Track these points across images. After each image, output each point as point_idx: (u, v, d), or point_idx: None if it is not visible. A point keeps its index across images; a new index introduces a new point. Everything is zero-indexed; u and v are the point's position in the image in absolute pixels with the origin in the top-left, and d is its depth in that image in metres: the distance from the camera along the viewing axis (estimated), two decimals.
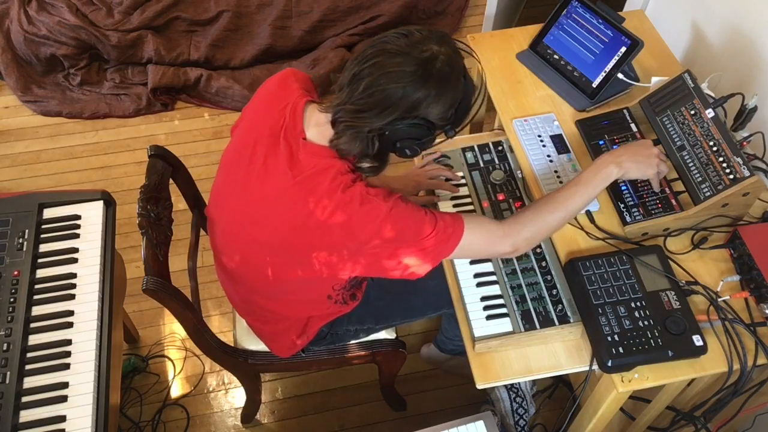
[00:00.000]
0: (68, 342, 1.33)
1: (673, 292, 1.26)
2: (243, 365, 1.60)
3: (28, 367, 1.29)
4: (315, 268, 1.21)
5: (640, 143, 1.36)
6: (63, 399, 1.26)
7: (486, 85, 1.20)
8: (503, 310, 1.35)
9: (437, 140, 1.19)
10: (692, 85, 1.42)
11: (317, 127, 1.18)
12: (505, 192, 1.56)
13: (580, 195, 1.26)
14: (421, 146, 1.17)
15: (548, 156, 1.55)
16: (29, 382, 1.28)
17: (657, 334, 1.21)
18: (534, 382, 1.84)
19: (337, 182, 1.13)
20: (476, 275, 1.42)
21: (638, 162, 1.30)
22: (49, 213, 1.51)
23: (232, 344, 1.61)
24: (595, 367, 1.27)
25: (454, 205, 1.56)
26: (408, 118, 1.10)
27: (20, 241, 1.43)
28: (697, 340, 1.20)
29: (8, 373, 1.26)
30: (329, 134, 1.16)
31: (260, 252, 1.25)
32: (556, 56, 1.70)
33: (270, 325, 1.46)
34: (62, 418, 1.24)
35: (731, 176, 1.30)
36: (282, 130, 1.19)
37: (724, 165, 1.32)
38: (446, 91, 1.10)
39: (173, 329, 2.16)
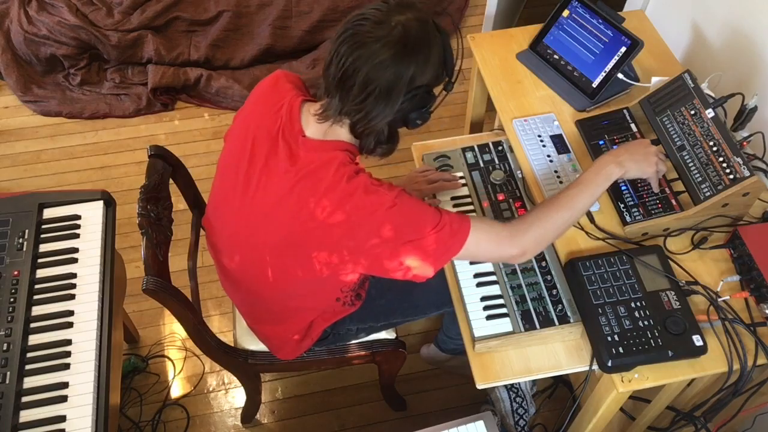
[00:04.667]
0: (68, 342, 1.33)
1: (673, 292, 1.26)
2: (243, 365, 1.60)
3: (28, 367, 1.29)
4: (315, 269, 1.20)
5: (638, 142, 1.36)
6: (63, 399, 1.26)
7: (460, 30, 1.24)
8: (503, 310, 1.35)
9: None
10: (692, 85, 1.42)
11: (315, 124, 1.19)
12: (505, 192, 1.56)
13: (583, 195, 1.25)
14: (429, 111, 1.19)
15: (548, 156, 1.55)
16: (29, 382, 1.27)
17: (657, 334, 1.21)
18: (534, 382, 1.84)
19: (340, 173, 1.13)
20: (476, 275, 1.42)
21: (638, 161, 1.30)
22: (49, 213, 1.51)
23: (232, 344, 1.61)
24: (595, 367, 1.27)
25: (455, 206, 1.56)
26: (410, 93, 1.12)
27: (20, 241, 1.43)
28: (697, 340, 1.20)
29: (8, 373, 1.26)
30: (325, 128, 1.17)
31: (264, 254, 1.25)
32: (556, 56, 1.70)
33: (273, 326, 1.46)
34: (62, 418, 1.24)
35: (731, 176, 1.30)
36: (280, 131, 1.19)
37: (724, 165, 1.32)
38: (431, 51, 1.11)
39: (173, 329, 2.15)
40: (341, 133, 1.18)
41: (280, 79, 1.29)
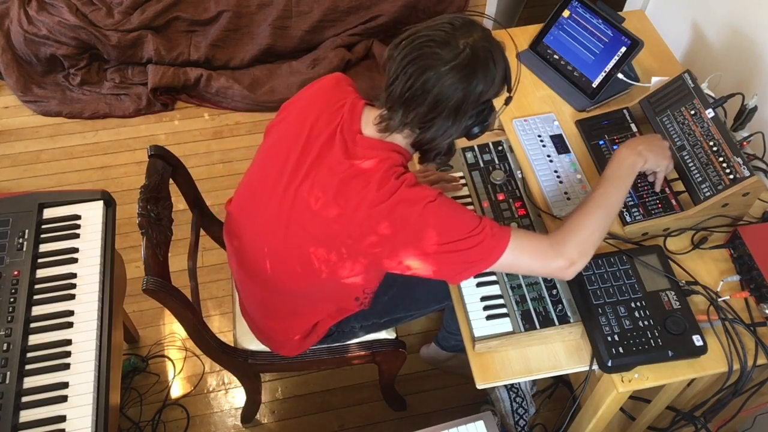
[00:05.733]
0: (68, 342, 1.33)
1: (673, 292, 1.26)
2: (243, 365, 1.60)
3: (28, 367, 1.29)
4: (364, 256, 1.21)
5: (651, 135, 1.37)
6: (63, 399, 1.26)
7: (516, 45, 1.28)
8: (503, 310, 1.35)
9: None
10: (692, 85, 1.42)
11: (373, 127, 1.20)
12: (505, 192, 1.56)
13: (612, 190, 1.25)
14: (490, 123, 1.22)
15: (548, 156, 1.55)
16: (29, 382, 1.28)
17: (657, 334, 1.21)
18: (534, 382, 1.84)
19: (391, 172, 1.16)
20: (476, 275, 1.41)
21: (655, 153, 1.31)
22: (49, 213, 1.51)
23: (232, 344, 1.61)
24: (595, 367, 1.27)
25: None
26: (476, 110, 1.15)
27: (20, 241, 1.43)
28: (697, 340, 1.20)
29: (8, 373, 1.26)
30: (384, 133, 1.19)
31: (305, 244, 1.24)
32: (556, 56, 1.70)
33: (281, 322, 1.45)
34: (62, 418, 1.24)
35: (731, 176, 1.30)
36: (339, 127, 1.21)
37: (724, 165, 1.32)
38: (496, 69, 1.14)
39: (173, 329, 2.16)
40: (399, 139, 1.20)
41: (341, 81, 1.32)
